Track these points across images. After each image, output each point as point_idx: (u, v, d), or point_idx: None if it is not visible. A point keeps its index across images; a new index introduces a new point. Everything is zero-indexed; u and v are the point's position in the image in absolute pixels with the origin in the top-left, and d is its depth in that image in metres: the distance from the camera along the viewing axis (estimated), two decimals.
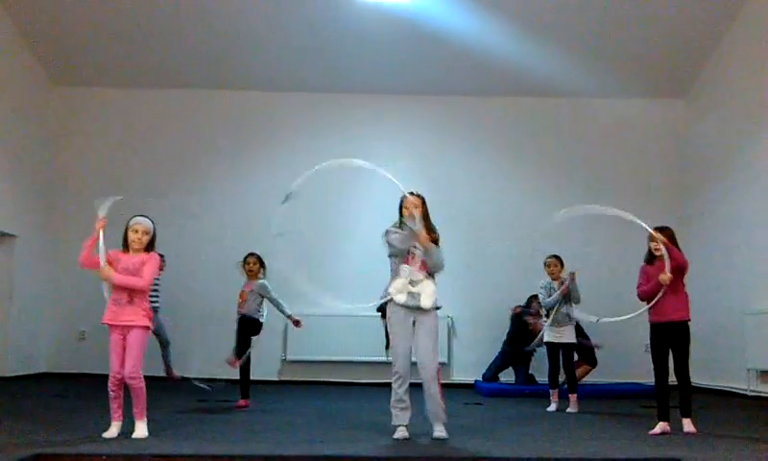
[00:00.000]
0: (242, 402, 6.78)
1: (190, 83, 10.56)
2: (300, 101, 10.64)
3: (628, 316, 5.79)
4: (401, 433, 4.82)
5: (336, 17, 9.32)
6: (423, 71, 10.19)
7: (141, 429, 4.69)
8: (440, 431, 4.83)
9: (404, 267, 4.89)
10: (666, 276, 5.32)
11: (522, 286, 8.70)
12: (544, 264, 7.25)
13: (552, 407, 7.01)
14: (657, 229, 5.56)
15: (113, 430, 4.66)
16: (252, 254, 6.99)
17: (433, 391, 4.84)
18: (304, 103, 10.63)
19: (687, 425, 5.37)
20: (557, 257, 7.24)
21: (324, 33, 9.55)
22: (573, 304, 7.06)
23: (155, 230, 4.91)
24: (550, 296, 7.08)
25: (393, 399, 4.88)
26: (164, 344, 8.77)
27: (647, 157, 10.59)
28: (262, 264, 6.97)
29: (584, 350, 8.51)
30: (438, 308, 4.98)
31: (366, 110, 10.64)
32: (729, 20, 9.17)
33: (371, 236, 9.30)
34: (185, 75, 10.43)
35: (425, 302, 4.86)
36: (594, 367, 8.91)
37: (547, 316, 7.19)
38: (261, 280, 6.89)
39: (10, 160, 9.53)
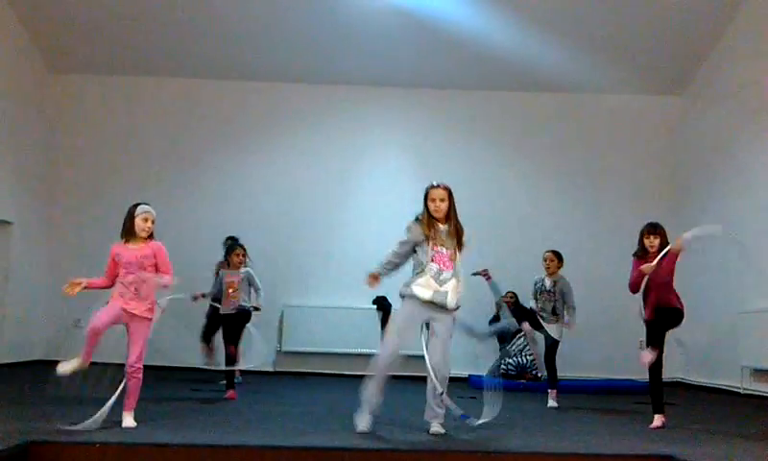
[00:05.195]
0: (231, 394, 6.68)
1: (189, 72, 10.52)
2: (301, 92, 10.60)
3: None
4: (366, 425, 4.78)
5: (337, 7, 9.27)
6: (424, 64, 10.16)
7: (129, 420, 4.68)
8: (437, 427, 4.79)
9: (432, 265, 4.77)
10: (649, 266, 5.34)
11: (522, 281, 8.68)
12: (543, 259, 6.95)
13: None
14: (649, 225, 5.60)
15: (72, 363, 4.59)
16: (240, 244, 6.90)
17: (444, 395, 4.75)
18: (305, 94, 10.59)
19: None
20: (554, 253, 6.89)
21: (324, 23, 9.50)
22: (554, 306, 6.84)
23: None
24: (536, 294, 6.90)
25: (369, 390, 4.85)
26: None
27: (644, 153, 10.59)
28: (245, 252, 6.92)
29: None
30: (457, 308, 4.88)
31: (366, 103, 10.61)
32: (727, 18, 9.16)
33: (368, 223, 9.30)
34: (184, 64, 10.39)
35: (451, 301, 4.76)
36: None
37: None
38: (247, 268, 6.87)
39: (7, 147, 9.48)
